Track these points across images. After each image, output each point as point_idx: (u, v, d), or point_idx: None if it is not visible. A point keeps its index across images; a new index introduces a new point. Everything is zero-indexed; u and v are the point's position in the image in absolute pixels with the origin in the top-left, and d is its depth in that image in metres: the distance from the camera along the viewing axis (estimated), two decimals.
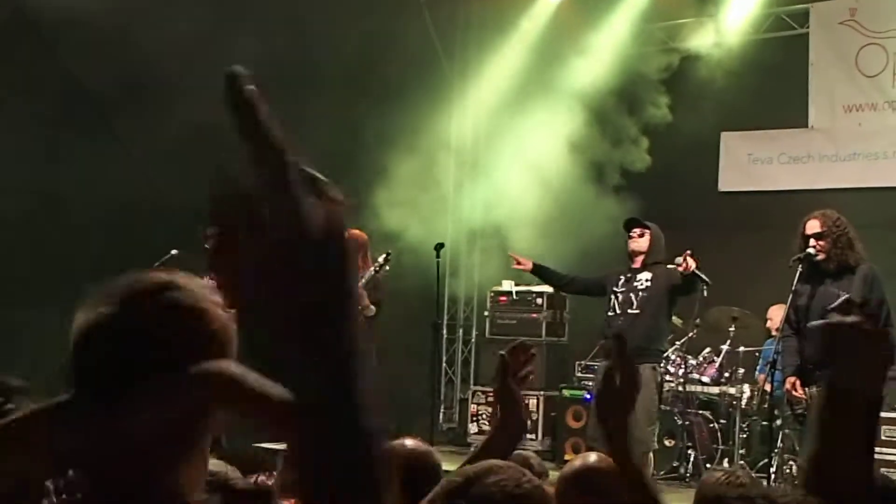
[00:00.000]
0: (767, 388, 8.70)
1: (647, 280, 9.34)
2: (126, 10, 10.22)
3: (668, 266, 9.34)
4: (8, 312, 9.91)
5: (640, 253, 9.43)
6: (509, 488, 2.28)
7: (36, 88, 10.47)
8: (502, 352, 3.07)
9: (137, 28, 10.51)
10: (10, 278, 10.09)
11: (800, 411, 7.89)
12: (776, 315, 9.58)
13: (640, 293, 9.30)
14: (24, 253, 10.28)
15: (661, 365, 9.73)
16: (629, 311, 9.31)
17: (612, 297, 9.49)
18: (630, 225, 9.56)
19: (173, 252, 10.26)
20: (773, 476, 9.15)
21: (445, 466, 3.94)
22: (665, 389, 11.08)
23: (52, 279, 10.18)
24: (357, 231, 10.18)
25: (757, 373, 11.48)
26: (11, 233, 10.06)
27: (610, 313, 9.47)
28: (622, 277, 9.49)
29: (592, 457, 3.65)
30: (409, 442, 3.85)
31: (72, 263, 10.44)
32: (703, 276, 9.17)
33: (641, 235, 9.44)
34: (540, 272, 10.27)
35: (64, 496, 1.75)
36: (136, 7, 10.42)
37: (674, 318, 11.60)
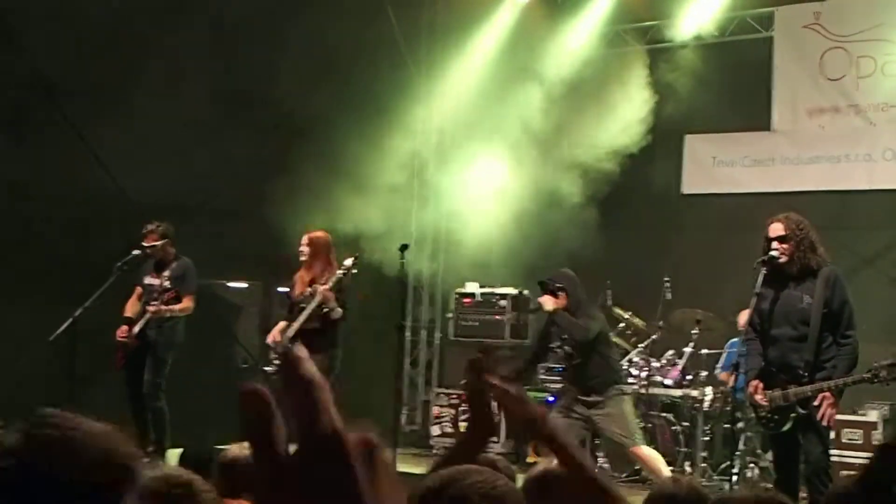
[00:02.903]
0: (731, 381, 8.70)
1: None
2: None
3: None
4: None
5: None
6: (485, 490, 2.27)
7: None
8: (478, 355, 3.07)
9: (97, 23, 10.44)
10: None
11: (762, 414, 7.89)
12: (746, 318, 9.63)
13: (570, 342, 9.54)
14: None
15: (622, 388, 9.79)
16: (573, 361, 9.58)
17: (556, 351, 9.90)
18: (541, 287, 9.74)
19: (135, 252, 10.19)
20: (735, 478, 9.16)
21: (408, 469, 3.92)
22: (631, 392, 11.12)
23: (10, 274, 10.08)
24: (322, 232, 10.15)
25: (719, 369, 11.48)
26: None
27: (565, 364, 9.84)
28: (553, 332, 9.73)
29: (555, 461, 3.65)
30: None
31: (31, 258, 10.34)
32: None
33: (556, 295, 9.53)
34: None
35: None
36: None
37: (636, 319, 11.64)
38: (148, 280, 10.50)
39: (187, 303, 10.46)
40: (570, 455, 2.92)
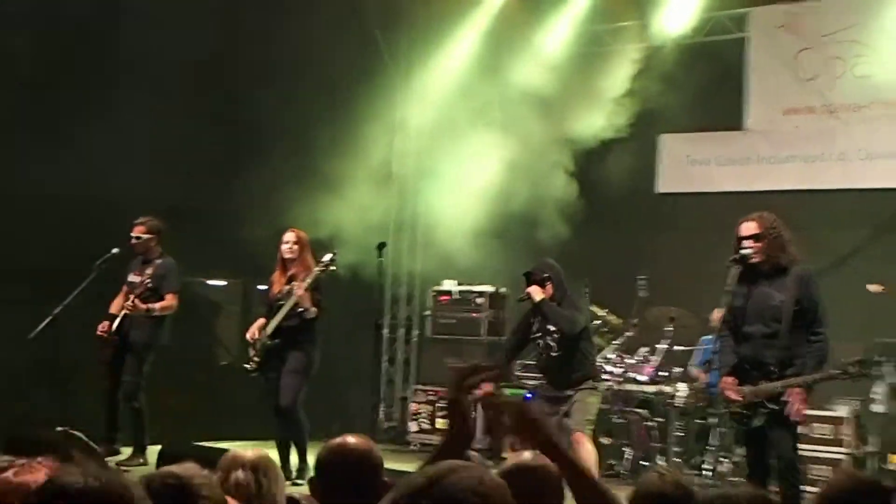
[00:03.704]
0: (703, 378, 8.76)
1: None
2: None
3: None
4: None
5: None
6: (473, 486, 2.32)
7: None
8: (459, 364, 3.18)
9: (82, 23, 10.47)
10: None
11: (735, 410, 7.98)
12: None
13: (555, 334, 9.46)
14: None
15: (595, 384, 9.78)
16: (552, 353, 9.49)
17: (535, 342, 9.68)
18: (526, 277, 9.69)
19: (114, 250, 10.21)
20: (708, 473, 9.24)
21: (386, 465, 3.99)
22: (605, 388, 11.21)
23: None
24: (298, 231, 10.16)
25: (693, 366, 11.58)
26: None
27: (542, 355, 9.65)
28: (534, 323, 9.63)
29: (526, 455, 3.73)
30: (351, 439, 3.90)
31: (14, 257, 10.36)
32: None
33: (543, 285, 9.51)
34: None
35: None
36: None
37: (612, 317, 11.72)
38: (131, 277, 10.50)
39: (169, 301, 10.43)
40: (570, 462, 3.08)
